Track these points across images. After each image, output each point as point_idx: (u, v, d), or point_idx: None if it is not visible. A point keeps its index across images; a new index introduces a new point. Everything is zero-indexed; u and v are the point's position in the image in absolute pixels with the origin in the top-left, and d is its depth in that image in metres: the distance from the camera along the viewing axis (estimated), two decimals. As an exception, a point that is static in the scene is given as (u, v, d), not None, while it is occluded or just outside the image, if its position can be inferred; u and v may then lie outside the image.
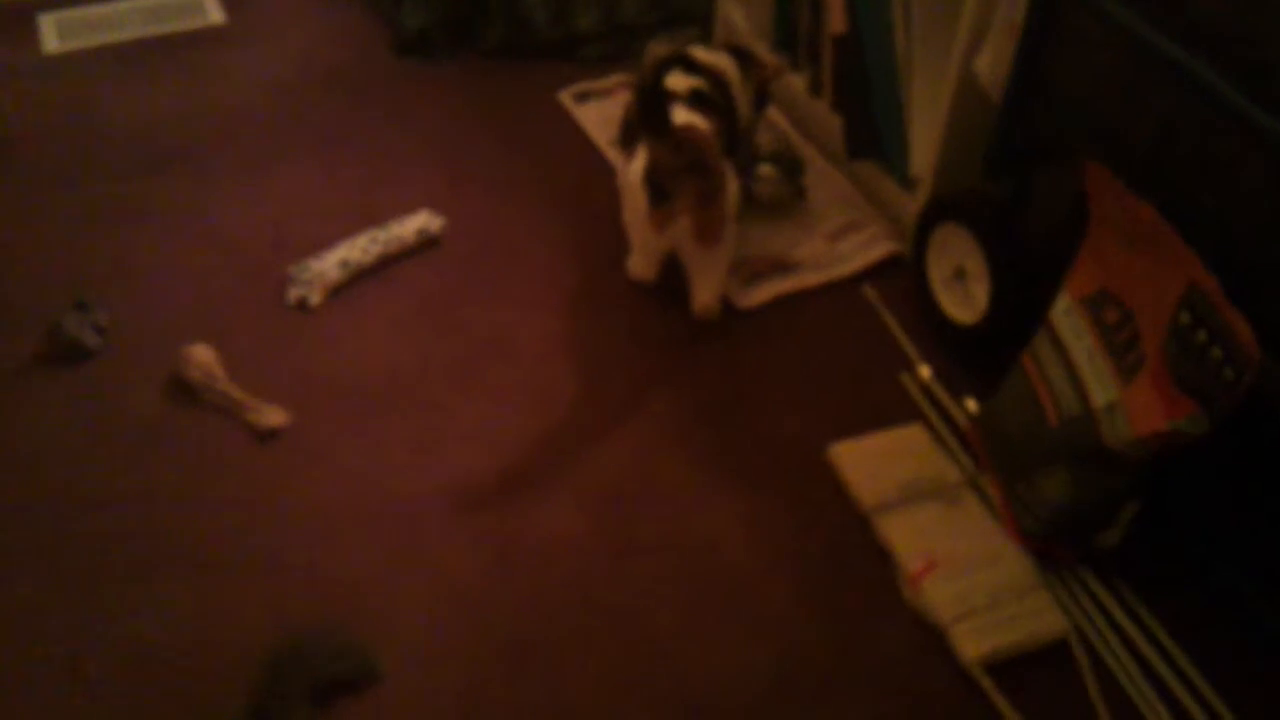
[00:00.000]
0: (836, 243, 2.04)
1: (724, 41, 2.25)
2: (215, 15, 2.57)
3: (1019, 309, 1.69)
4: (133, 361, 1.78)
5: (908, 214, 1.99)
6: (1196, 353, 1.32)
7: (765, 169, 2.12)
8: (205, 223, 2.03)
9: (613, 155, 2.21)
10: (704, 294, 1.85)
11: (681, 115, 1.73)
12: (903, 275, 1.97)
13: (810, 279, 1.97)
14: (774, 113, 2.32)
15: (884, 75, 1.96)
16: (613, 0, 2.47)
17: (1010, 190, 1.70)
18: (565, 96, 2.37)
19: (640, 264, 1.92)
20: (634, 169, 1.75)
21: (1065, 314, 1.55)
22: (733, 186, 1.78)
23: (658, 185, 1.72)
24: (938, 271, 1.85)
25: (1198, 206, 1.35)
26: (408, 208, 2.04)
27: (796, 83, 2.27)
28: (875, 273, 1.99)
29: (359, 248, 1.92)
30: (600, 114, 2.32)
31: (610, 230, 1.99)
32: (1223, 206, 1.33)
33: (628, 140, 1.88)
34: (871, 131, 2.05)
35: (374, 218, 2.01)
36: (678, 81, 1.78)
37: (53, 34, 2.49)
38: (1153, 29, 1.36)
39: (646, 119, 1.68)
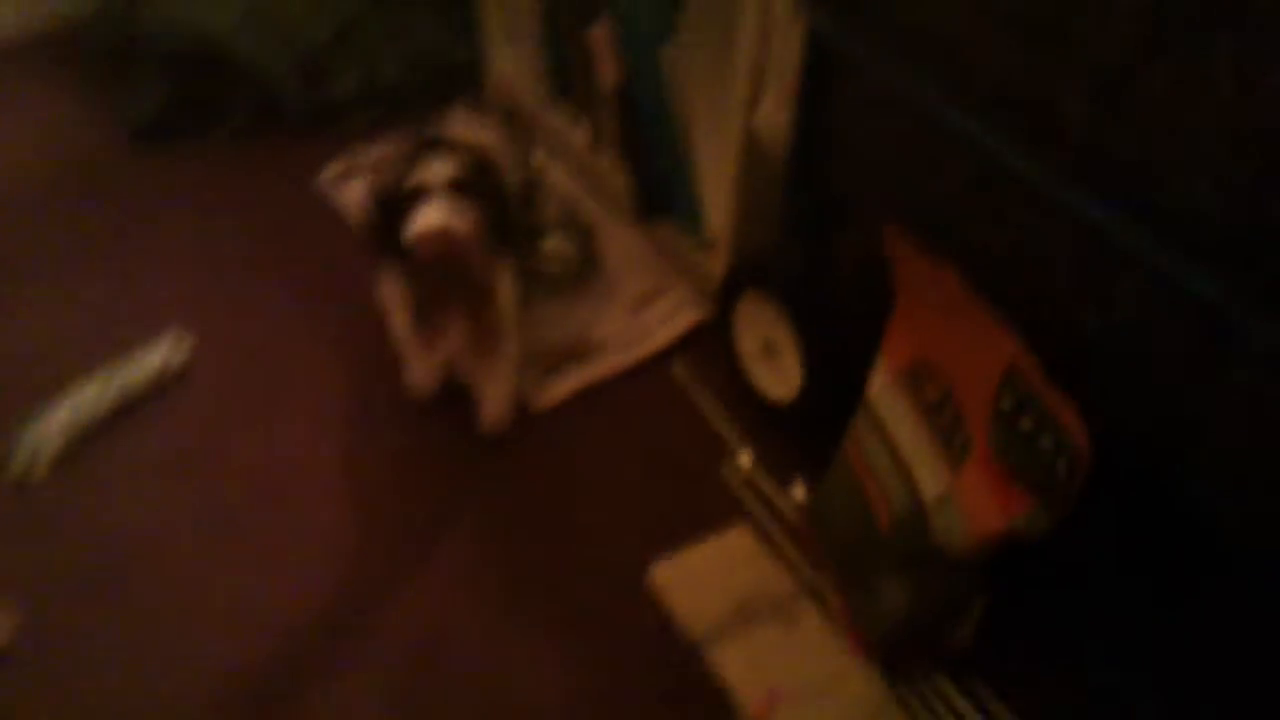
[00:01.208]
0: (639, 314, 1.89)
1: (498, 103, 2.08)
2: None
3: (837, 383, 1.56)
4: None
5: (713, 273, 1.84)
6: (1024, 441, 1.20)
7: (552, 242, 1.96)
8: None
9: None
10: (490, 408, 1.67)
11: (437, 214, 1.52)
12: (716, 344, 1.82)
13: (613, 363, 1.81)
14: (556, 171, 2.15)
15: (665, 130, 1.81)
16: (371, 61, 2.26)
17: (812, 255, 1.57)
18: (325, 178, 2.16)
19: (418, 377, 1.72)
20: (390, 286, 1.55)
21: (883, 391, 1.42)
22: (507, 287, 1.60)
23: (421, 304, 1.52)
24: (747, 344, 1.71)
25: (1013, 279, 1.23)
26: (153, 328, 1.81)
27: (578, 137, 2.11)
28: (685, 345, 1.84)
29: (90, 398, 1.68)
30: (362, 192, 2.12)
31: (386, 333, 1.79)
32: (1038, 279, 1.21)
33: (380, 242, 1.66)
34: (660, 190, 1.90)
35: (115, 345, 1.77)
36: (433, 172, 1.59)
37: None
38: (935, 96, 1.23)
39: (386, 242, 1.48)
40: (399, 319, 1.57)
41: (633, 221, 2.01)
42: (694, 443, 1.70)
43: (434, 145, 1.60)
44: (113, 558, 1.54)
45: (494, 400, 1.66)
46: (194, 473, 1.65)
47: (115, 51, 2.23)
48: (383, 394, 1.76)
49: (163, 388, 1.76)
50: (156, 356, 1.76)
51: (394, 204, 1.48)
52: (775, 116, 1.50)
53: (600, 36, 1.84)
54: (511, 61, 2.24)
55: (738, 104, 1.58)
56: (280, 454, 1.67)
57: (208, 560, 1.54)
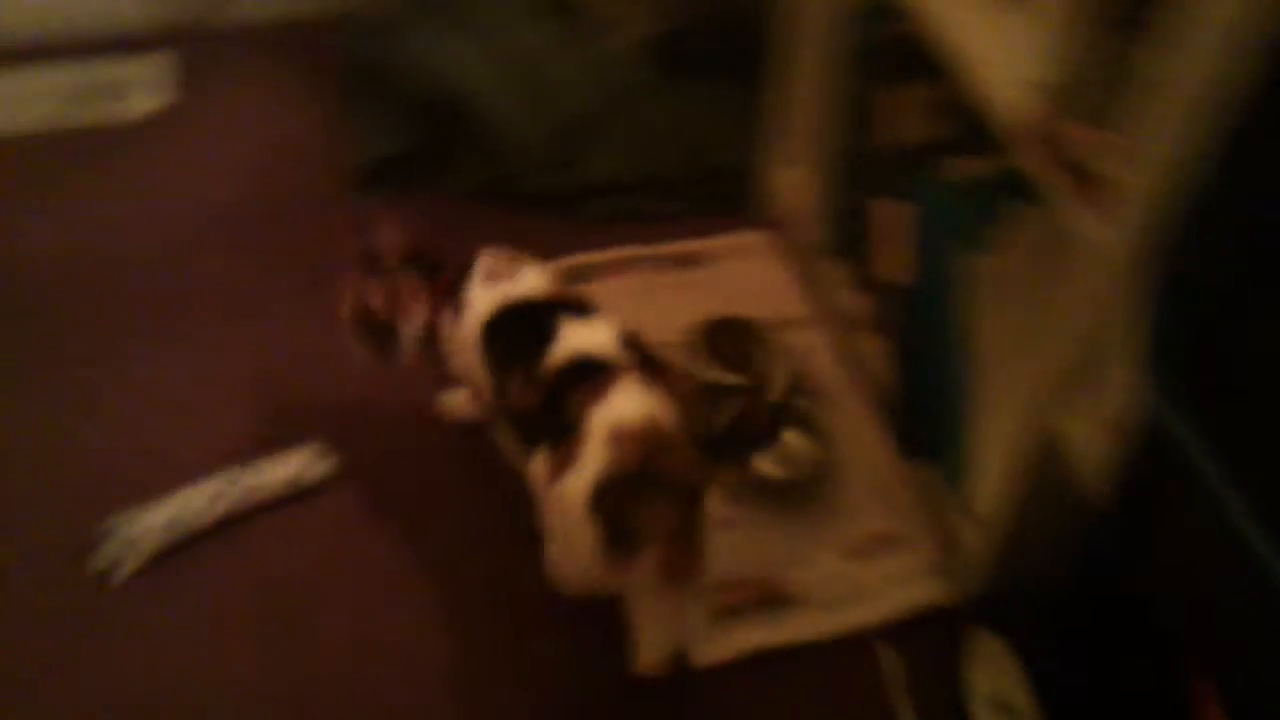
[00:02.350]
0: (859, 564, 1.55)
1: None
2: (146, 103, 2.17)
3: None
4: None
5: (968, 548, 1.48)
6: None
7: (790, 437, 1.65)
8: (25, 425, 1.65)
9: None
10: (654, 648, 1.38)
11: (627, 402, 1.25)
12: (944, 641, 1.46)
13: (811, 622, 1.48)
14: (812, 339, 1.82)
15: (944, 356, 1.46)
16: (637, 144, 2.00)
17: (1086, 638, 1.20)
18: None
19: (575, 578, 1.43)
20: (573, 491, 1.26)
21: None
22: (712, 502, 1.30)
23: (617, 519, 1.24)
24: (979, 682, 1.35)
25: None
26: (299, 430, 1.62)
27: (849, 305, 1.78)
28: (904, 625, 1.49)
29: (202, 500, 1.51)
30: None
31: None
32: None
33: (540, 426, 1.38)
34: (925, 422, 1.56)
35: (252, 441, 1.60)
36: (595, 340, 1.34)
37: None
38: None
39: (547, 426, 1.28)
40: (574, 536, 1.29)
41: (888, 440, 1.67)
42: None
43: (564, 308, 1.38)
44: (157, 712, 1.37)
45: (660, 640, 1.37)
46: (280, 633, 1.45)
47: (360, 74, 2.05)
48: (526, 584, 1.50)
49: (288, 502, 1.57)
50: (289, 468, 1.57)
51: (557, 380, 1.28)
52: (1089, 437, 1.14)
53: (887, 212, 1.51)
54: (790, 188, 1.92)
55: (1035, 396, 1.22)
56: (382, 636, 1.46)
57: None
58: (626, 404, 1.25)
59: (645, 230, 1.97)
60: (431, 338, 1.48)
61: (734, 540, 1.56)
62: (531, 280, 1.45)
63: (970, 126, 1.31)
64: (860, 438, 1.68)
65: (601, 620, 1.42)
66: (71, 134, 2.12)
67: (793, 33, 1.77)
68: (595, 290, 1.87)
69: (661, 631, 1.39)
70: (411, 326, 1.47)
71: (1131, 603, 1.14)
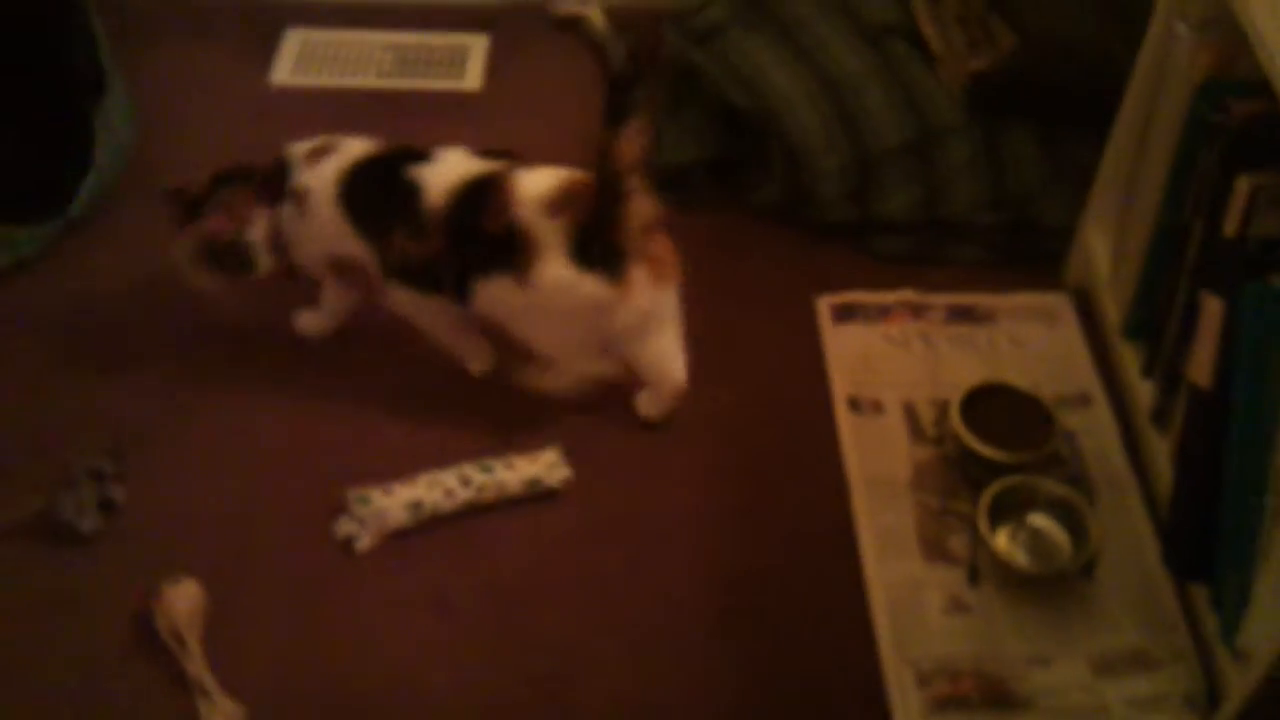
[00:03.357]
0: (1104, 679, 1.42)
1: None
2: (473, 80, 2.23)
3: None
4: (123, 567, 1.51)
5: (1232, 684, 1.34)
6: None
7: (1040, 520, 1.54)
8: (300, 387, 1.73)
9: (847, 420, 1.68)
10: (677, 368, 1.61)
11: (535, 182, 1.47)
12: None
13: (1037, 736, 1.38)
14: (1097, 422, 1.67)
15: (1245, 473, 1.31)
16: (940, 181, 1.89)
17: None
18: (824, 304, 1.84)
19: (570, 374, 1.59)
20: (555, 270, 1.43)
21: None
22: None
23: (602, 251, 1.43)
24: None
25: None
26: (540, 434, 1.63)
27: (1143, 393, 1.63)
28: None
29: (442, 488, 1.55)
30: (860, 344, 1.78)
31: (810, 538, 1.56)
32: None
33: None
34: (1204, 540, 1.41)
35: (494, 439, 1.63)
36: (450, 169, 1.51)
37: (290, 59, 2.26)
38: None
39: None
40: (562, 290, 1.45)
41: (1157, 549, 1.53)
42: None
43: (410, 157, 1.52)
44: (371, 691, 1.41)
45: (677, 357, 1.60)
46: (496, 632, 1.49)
47: (674, 76, 2.04)
48: (772, 624, 1.49)
49: (525, 501, 1.58)
50: (532, 468, 1.58)
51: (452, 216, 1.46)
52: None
53: (1203, 306, 1.36)
54: (1105, 246, 1.78)
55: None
56: (595, 655, 1.46)
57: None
58: (536, 183, 1.45)
59: (933, 275, 1.87)
60: (279, 239, 1.56)
61: (968, 626, 1.47)
62: (356, 145, 1.54)
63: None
64: (1127, 540, 1.55)
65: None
66: (408, 95, 2.20)
67: (1143, 91, 1.62)
68: (864, 332, 1.80)
69: (675, 350, 1.59)
70: (258, 234, 1.56)
71: None
